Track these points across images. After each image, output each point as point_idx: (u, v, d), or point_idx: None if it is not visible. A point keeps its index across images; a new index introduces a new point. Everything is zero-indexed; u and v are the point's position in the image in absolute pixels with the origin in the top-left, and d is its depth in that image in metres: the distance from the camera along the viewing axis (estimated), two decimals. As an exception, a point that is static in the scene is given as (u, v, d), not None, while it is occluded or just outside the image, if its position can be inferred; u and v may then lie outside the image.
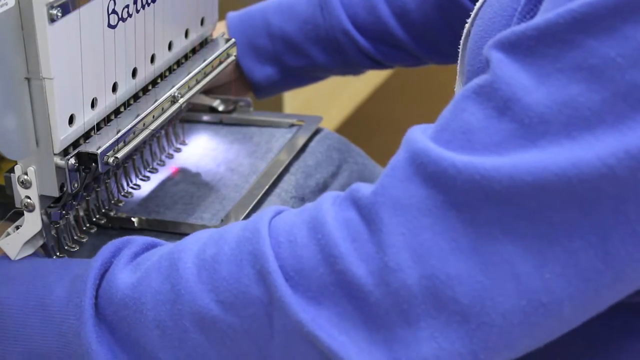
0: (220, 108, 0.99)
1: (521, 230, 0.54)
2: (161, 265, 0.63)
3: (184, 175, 0.89)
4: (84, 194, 0.76)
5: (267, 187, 0.85)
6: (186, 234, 0.78)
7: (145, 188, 0.87)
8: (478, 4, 0.70)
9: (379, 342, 0.56)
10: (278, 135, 0.95)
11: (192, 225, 0.81)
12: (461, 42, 0.73)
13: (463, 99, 0.57)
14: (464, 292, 0.54)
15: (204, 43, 0.88)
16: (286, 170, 0.89)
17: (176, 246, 0.65)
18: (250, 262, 0.59)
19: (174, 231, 0.81)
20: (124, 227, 0.81)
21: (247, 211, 0.82)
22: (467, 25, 0.71)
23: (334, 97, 1.34)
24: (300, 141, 0.93)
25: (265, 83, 1.03)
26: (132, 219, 0.81)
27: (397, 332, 0.56)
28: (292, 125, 0.96)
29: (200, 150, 0.93)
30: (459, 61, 0.74)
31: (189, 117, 0.98)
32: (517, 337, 0.55)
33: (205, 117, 0.99)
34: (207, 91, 1.02)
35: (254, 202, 0.83)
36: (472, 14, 0.71)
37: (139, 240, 0.68)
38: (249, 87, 1.04)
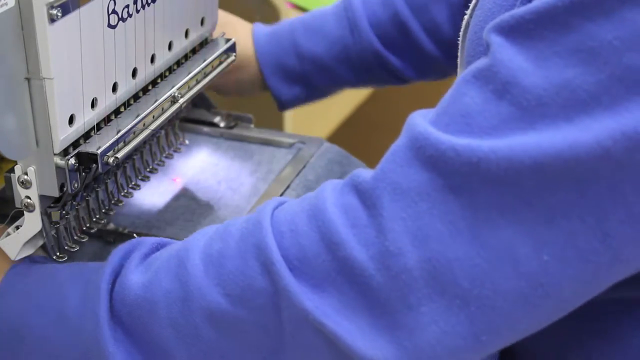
0: (222, 125, 0.98)
1: (519, 213, 0.54)
2: (170, 264, 0.63)
3: (184, 189, 0.89)
4: (84, 194, 0.76)
5: None
6: None
7: (146, 200, 0.87)
8: None
9: (382, 328, 0.57)
10: (279, 156, 0.95)
11: None
12: (460, 33, 0.73)
13: (463, 82, 0.57)
14: (464, 275, 0.55)
15: (204, 43, 0.88)
16: (287, 186, 0.89)
17: (184, 244, 0.65)
18: (254, 254, 0.60)
19: None
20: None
21: None
22: (466, 17, 0.72)
23: (334, 97, 1.34)
24: (302, 164, 0.92)
25: (291, 102, 1.04)
26: (134, 234, 0.81)
27: (399, 318, 0.56)
28: (292, 145, 0.96)
29: (201, 164, 0.93)
30: (459, 53, 0.74)
31: (189, 129, 0.98)
32: (518, 318, 0.55)
33: (206, 130, 0.98)
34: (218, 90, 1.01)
35: None
36: (471, 5, 0.71)
37: (148, 241, 0.68)
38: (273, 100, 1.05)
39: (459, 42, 0.73)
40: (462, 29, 0.72)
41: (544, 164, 0.53)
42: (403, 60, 1.01)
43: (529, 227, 0.54)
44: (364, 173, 0.59)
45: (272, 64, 1.02)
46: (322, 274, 0.58)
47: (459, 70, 0.75)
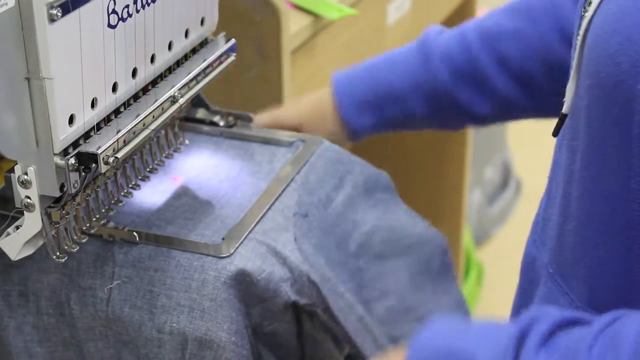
0: (221, 123, 0.98)
1: None
2: None
3: (185, 188, 0.89)
4: (84, 194, 0.76)
5: (268, 206, 0.85)
6: (189, 251, 0.78)
7: (147, 199, 0.87)
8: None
9: None
10: (279, 155, 0.94)
11: (195, 243, 0.80)
12: (579, 36, 0.68)
13: None
14: None
15: (204, 43, 0.88)
16: (287, 184, 0.89)
17: (578, 342, 0.61)
18: None
19: (177, 248, 0.80)
20: (125, 240, 0.81)
21: (248, 230, 0.81)
22: (586, 16, 0.67)
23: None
24: (301, 162, 0.92)
25: (362, 130, 1.03)
26: (134, 233, 0.81)
27: None
28: (292, 144, 0.96)
29: (202, 163, 0.93)
30: (574, 55, 0.70)
31: (189, 128, 0.97)
32: None
33: (206, 129, 0.98)
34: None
35: (255, 222, 0.83)
36: (593, 5, 0.66)
37: (551, 317, 0.64)
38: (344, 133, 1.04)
39: (576, 43, 0.69)
40: (581, 31, 0.68)
41: None
42: (472, 95, 0.99)
43: None
44: None
45: (346, 94, 1.02)
46: None
47: (572, 72, 0.70)
